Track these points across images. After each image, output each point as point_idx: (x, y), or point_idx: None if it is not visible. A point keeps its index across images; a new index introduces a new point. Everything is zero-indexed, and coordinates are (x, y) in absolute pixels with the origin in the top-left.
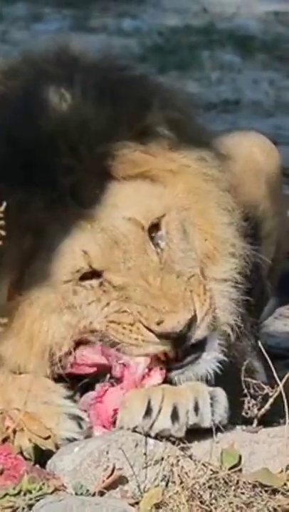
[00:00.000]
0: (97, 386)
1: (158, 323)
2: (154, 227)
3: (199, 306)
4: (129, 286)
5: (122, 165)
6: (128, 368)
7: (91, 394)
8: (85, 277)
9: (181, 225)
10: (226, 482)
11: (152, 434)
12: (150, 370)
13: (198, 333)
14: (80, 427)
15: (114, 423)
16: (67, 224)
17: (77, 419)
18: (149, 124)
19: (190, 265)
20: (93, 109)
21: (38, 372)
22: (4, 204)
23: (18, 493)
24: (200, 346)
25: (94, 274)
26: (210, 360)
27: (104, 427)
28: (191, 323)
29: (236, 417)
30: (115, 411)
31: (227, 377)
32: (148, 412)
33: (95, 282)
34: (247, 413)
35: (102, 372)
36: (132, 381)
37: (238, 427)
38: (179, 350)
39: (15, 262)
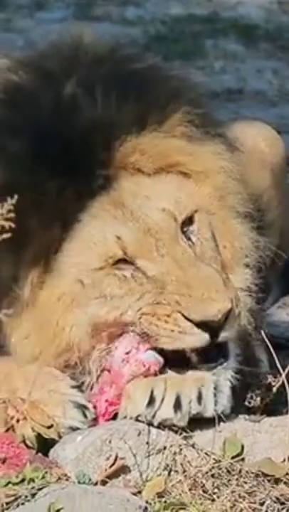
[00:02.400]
0: (100, 378)
1: (198, 311)
2: (186, 222)
3: (235, 301)
4: (164, 276)
5: (151, 158)
6: (112, 359)
7: (96, 385)
8: (118, 265)
9: (210, 226)
10: (228, 471)
11: (155, 423)
12: (129, 356)
13: (229, 330)
14: (85, 416)
15: (104, 414)
16: (99, 213)
17: (83, 408)
18: (175, 117)
19: (219, 265)
20: (120, 105)
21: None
22: (15, 197)
23: (21, 481)
24: (224, 352)
25: (126, 262)
26: (232, 368)
27: (96, 418)
28: (229, 314)
29: (239, 407)
30: (107, 401)
31: None
32: (151, 401)
33: (127, 272)
34: (250, 402)
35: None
36: (115, 371)
37: (240, 417)
38: (213, 341)
39: (42, 251)
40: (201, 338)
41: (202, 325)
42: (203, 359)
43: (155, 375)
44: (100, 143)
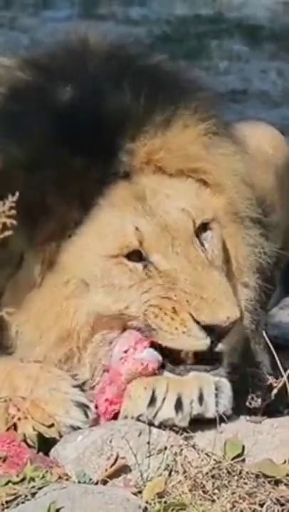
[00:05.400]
0: (103, 376)
1: (208, 314)
2: (202, 228)
3: (241, 313)
4: (176, 273)
5: (176, 158)
6: (111, 358)
7: (97, 384)
8: (130, 256)
9: (222, 237)
10: (229, 472)
11: (156, 423)
12: (127, 355)
13: (230, 341)
14: (86, 415)
15: (104, 413)
16: (119, 202)
17: (84, 407)
18: (202, 127)
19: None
20: (149, 101)
21: (49, 359)
22: (17, 194)
23: (22, 480)
24: (218, 358)
25: (139, 255)
26: (224, 376)
27: (98, 417)
28: (235, 324)
29: (240, 408)
30: (107, 400)
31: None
32: (152, 401)
33: (139, 265)
34: (251, 403)
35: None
36: (113, 370)
37: (242, 417)
38: (212, 347)
39: (57, 230)
40: (203, 343)
41: (208, 329)
42: (197, 361)
43: (154, 373)
44: (128, 132)
